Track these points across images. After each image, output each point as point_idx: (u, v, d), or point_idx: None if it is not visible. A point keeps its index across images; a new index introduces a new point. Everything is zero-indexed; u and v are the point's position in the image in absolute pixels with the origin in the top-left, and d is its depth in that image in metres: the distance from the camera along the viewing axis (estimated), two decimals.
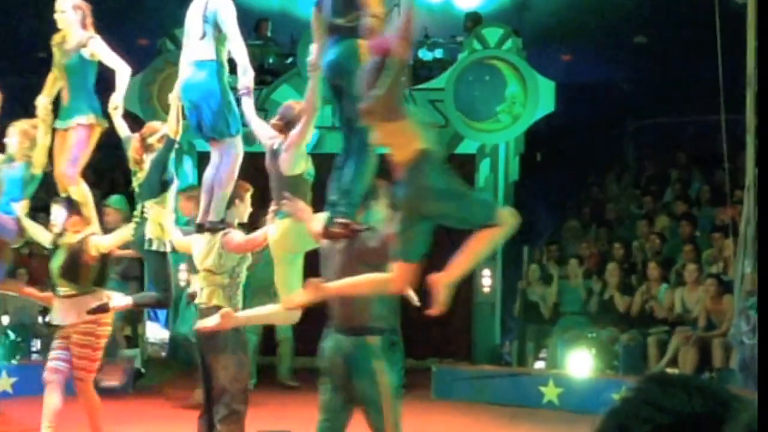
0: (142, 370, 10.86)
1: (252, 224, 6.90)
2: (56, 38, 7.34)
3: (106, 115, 7.22)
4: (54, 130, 7.36)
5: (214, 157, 6.59)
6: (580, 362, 10.22)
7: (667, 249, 11.74)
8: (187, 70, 6.45)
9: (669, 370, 9.84)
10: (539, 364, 10.93)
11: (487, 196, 5.00)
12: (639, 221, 12.51)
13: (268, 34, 13.41)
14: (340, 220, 5.35)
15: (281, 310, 5.97)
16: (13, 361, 10.19)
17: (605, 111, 15.79)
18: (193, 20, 6.46)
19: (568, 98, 12.25)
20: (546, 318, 11.14)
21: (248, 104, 6.34)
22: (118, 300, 7.20)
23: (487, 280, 11.34)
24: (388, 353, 5.36)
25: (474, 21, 12.55)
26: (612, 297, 10.82)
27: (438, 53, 13.49)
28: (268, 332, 10.67)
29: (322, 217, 5.70)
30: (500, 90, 11.31)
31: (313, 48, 5.73)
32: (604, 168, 14.87)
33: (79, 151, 7.24)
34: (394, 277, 4.93)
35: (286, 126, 5.92)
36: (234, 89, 6.50)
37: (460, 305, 11.43)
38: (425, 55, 13.47)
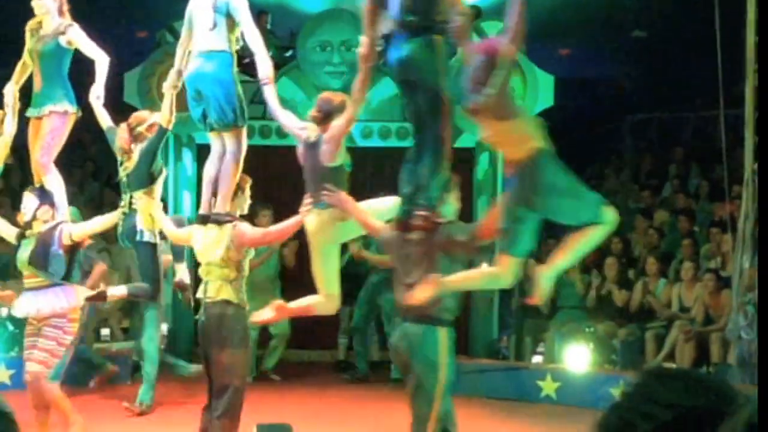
0: (141, 363, 10.84)
1: (251, 217, 6.91)
2: (31, 24, 7.20)
3: (88, 105, 7.14)
4: (27, 119, 7.23)
5: (216, 149, 6.56)
6: (578, 357, 10.22)
7: (666, 244, 11.75)
8: (195, 61, 6.40)
9: (666, 365, 9.86)
10: (537, 359, 10.92)
11: (595, 194, 5.20)
12: (637, 216, 12.51)
13: (268, 26, 13.39)
14: (421, 213, 5.44)
15: (322, 299, 6.03)
16: (12, 353, 10.18)
17: (604, 105, 15.80)
18: (200, 10, 6.42)
19: (567, 93, 12.25)
20: (544, 312, 11.14)
21: (271, 94, 6.33)
22: (114, 289, 7.19)
23: None
24: (452, 347, 5.49)
25: (473, 15, 12.53)
26: (610, 291, 10.82)
27: None
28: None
29: (366, 206, 5.84)
30: None
31: (363, 40, 5.80)
32: (602, 162, 14.87)
33: (53, 140, 7.09)
34: (504, 271, 5.12)
35: (324, 118, 5.93)
36: (245, 81, 6.50)
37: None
38: None
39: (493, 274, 5.26)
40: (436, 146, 5.56)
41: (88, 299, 6.96)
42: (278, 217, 9.82)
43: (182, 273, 7.43)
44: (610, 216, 5.13)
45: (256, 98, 10.22)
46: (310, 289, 6.40)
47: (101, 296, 7.04)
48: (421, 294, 5.20)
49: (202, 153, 12.06)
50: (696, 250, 11.13)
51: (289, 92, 11.13)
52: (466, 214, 11.48)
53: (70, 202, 7.91)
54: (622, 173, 14.61)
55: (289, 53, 12.74)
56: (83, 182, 13.70)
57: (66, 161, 14.21)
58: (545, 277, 5.24)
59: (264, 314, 6.18)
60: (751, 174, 9.11)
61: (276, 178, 11.34)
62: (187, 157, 12.15)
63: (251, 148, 6.79)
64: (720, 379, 1.51)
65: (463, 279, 5.37)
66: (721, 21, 8.91)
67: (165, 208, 9.64)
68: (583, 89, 15.06)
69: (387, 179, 9.85)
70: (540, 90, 11.30)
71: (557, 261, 5.25)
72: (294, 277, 10.61)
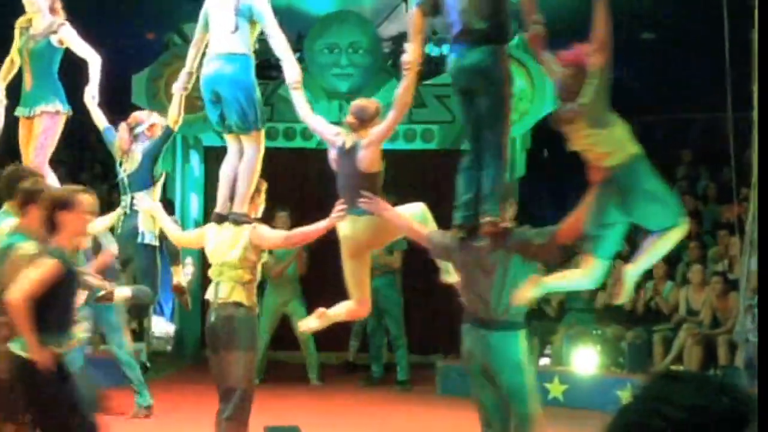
0: (148, 364, 10.86)
1: (267, 219, 6.90)
2: (21, 22, 7.08)
3: (83, 106, 7.05)
4: (15, 118, 7.11)
5: (233, 151, 6.52)
6: (586, 359, 10.21)
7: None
8: (213, 63, 6.35)
9: (674, 368, 9.84)
10: (544, 361, 10.92)
11: (676, 198, 5.48)
12: None
13: None
14: (489, 219, 5.52)
15: (355, 305, 6.12)
16: None
17: (612, 107, 15.75)
18: (219, 12, 6.38)
19: None
20: (551, 315, 11.13)
21: (300, 99, 6.34)
22: (121, 290, 7.16)
23: None
24: (529, 348, 5.69)
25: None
26: None
27: (445, 49, 13.46)
28: (280, 329, 10.72)
29: (409, 212, 5.95)
30: None
31: (409, 48, 5.82)
32: None
33: (46, 140, 6.98)
34: (592, 273, 5.38)
35: (360, 125, 5.95)
36: (264, 84, 6.48)
37: None
38: (432, 50, 13.45)
39: (582, 275, 5.48)
40: (498, 154, 5.63)
41: (98, 300, 6.95)
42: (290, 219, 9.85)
43: (179, 276, 7.35)
44: (686, 222, 5.43)
45: (263, 101, 10.25)
46: (326, 292, 6.42)
47: (108, 297, 7.03)
48: (525, 294, 5.42)
49: (209, 155, 12.11)
50: (703, 253, 11.11)
51: None
52: None
53: None
54: None
55: (296, 55, 12.75)
56: (91, 184, 13.73)
57: (73, 163, 14.27)
58: (630, 275, 5.47)
59: (310, 323, 6.21)
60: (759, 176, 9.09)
61: (282, 180, 11.35)
62: (195, 158, 12.18)
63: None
64: (733, 382, 1.50)
65: (558, 279, 5.66)
66: (729, 22, 8.90)
67: (172, 209, 9.67)
68: None
69: (395, 181, 9.87)
70: (548, 92, 11.29)
71: (641, 261, 5.49)
72: (308, 281, 10.66)
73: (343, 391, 10.51)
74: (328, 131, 6.19)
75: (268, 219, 6.85)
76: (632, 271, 5.49)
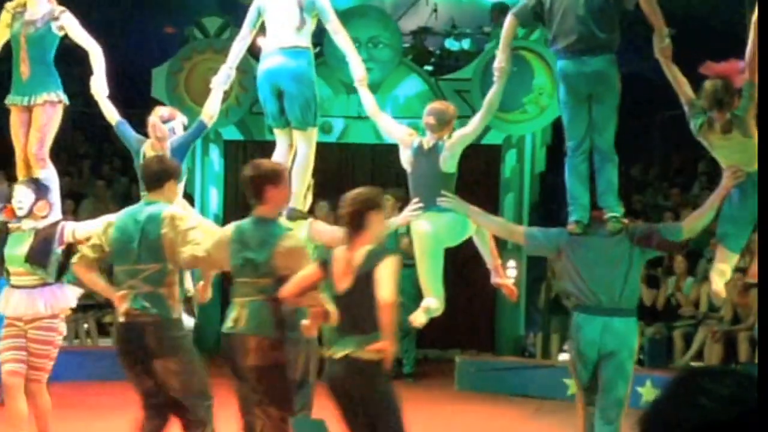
0: None
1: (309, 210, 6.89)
2: (14, 6, 6.80)
3: (91, 98, 6.93)
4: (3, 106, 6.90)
5: (283, 146, 6.49)
6: None
7: (694, 242, 11.65)
8: (274, 57, 6.35)
9: (694, 364, 9.79)
10: (563, 356, 10.88)
11: None
12: (666, 214, 12.43)
13: None
14: (612, 215, 5.92)
15: (437, 303, 6.20)
16: None
17: (633, 102, 15.66)
18: (280, 7, 6.38)
19: None
20: (570, 310, 11.09)
21: (367, 96, 6.45)
22: None
23: (512, 271, 11.24)
24: None
25: (501, 11, 12.49)
26: None
27: (465, 44, 13.46)
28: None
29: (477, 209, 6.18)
30: (527, 81, 11.26)
31: (501, 56, 6.14)
32: (631, 160, 14.77)
33: (49, 131, 6.74)
34: (728, 264, 5.97)
35: (440, 126, 6.13)
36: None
37: (484, 296, 11.39)
38: (452, 45, 13.45)
39: (727, 268, 6.01)
40: (613, 153, 6.12)
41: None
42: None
43: (188, 282, 7.16)
44: None
45: None
46: None
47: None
48: (719, 287, 5.95)
49: (229, 149, 12.12)
50: None
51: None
52: (492, 211, 11.48)
53: (100, 198, 7.88)
54: (651, 170, 14.52)
55: (316, 49, 12.75)
56: (111, 178, 13.78)
57: (95, 156, 14.31)
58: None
59: (420, 317, 6.21)
60: None
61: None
62: (214, 152, 12.19)
63: (271, 145, 6.76)
64: None
65: (722, 271, 6.06)
66: (750, 18, 8.84)
67: (192, 204, 9.67)
68: None
69: None
70: None
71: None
72: None
73: None
74: (400, 131, 6.36)
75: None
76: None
